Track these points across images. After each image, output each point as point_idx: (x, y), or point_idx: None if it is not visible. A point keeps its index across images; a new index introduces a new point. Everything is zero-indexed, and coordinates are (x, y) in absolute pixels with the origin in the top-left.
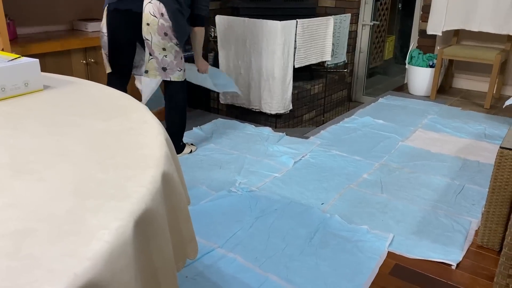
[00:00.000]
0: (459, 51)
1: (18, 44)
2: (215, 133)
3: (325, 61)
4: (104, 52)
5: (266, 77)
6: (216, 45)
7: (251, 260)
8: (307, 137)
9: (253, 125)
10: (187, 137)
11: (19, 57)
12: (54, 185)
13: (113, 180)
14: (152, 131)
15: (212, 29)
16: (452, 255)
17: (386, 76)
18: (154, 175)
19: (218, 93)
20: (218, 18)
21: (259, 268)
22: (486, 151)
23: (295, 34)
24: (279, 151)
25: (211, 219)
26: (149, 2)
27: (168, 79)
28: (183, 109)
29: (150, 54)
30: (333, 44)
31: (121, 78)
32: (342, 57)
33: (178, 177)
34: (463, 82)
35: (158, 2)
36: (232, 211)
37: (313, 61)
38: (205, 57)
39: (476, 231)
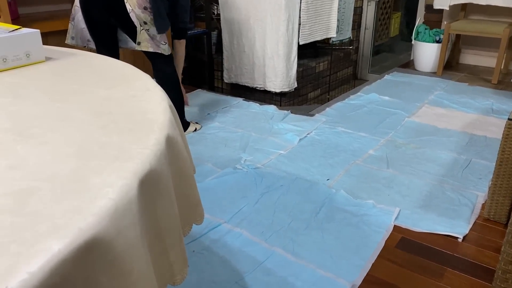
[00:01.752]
0: (467, 26)
1: (20, 23)
2: (220, 112)
3: (330, 38)
4: (72, 23)
5: (271, 54)
6: (219, 23)
7: (257, 235)
8: (312, 115)
9: (257, 103)
10: (192, 116)
11: (20, 28)
12: (57, 147)
13: (117, 143)
14: (155, 98)
15: (215, 7)
16: (459, 228)
17: (392, 53)
18: (158, 138)
19: (222, 72)
20: None
21: (266, 242)
22: (494, 126)
23: (300, 10)
24: (284, 129)
25: (217, 196)
26: None
27: (159, 51)
28: (176, 83)
29: (140, 25)
30: (338, 20)
31: (109, 53)
32: (348, 34)
33: (183, 143)
34: (470, 57)
35: None
36: (238, 187)
37: (318, 37)
38: (209, 34)
39: (483, 205)
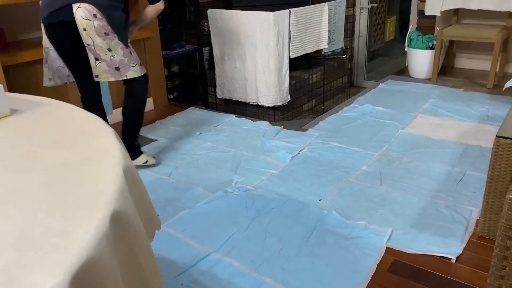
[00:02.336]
0: (459, 31)
1: (9, 53)
2: (212, 131)
3: (322, 49)
4: (46, 66)
5: (262, 69)
6: (210, 39)
7: (247, 264)
8: (305, 130)
9: (250, 120)
10: (183, 136)
11: None
12: None
13: (59, 225)
14: (111, 162)
15: (206, 23)
16: (452, 248)
17: (389, 57)
18: (102, 218)
19: (215, 88)
20: (210, 12)
21: (255, 272)
22: (489, 134)
23: (289, 24)
24: (276, 146)
25: (207, 222)
26: (78, 7)
27: (125, 78)
28: (140, 108)
29: (97, 59)
30: (329, 31)
31: (88, 79)
32: (340, 44)
33: (136, 211)
34: (465, 61)
35: (87, 4)
36: (228, 212)
37: (309, 50)
38: (200, 51)
39: (477, 221)
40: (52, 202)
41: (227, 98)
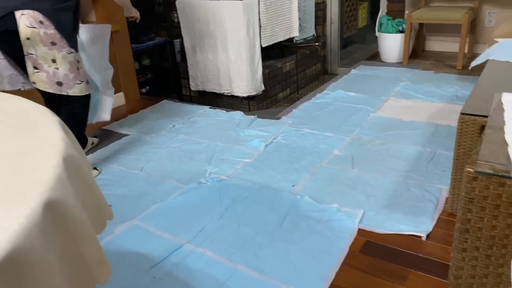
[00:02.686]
0: (427, 14)
1: None
2: (185, 123)
3: (294, 37)
4: None
5: (234, 59)
6: (181, 31)
7: (220, 253)
8: (278, 118)
9: (224, 111)
10: (156, 129)
11: None
12: None
13: None
14: (50, 151)
15: (175, 15)
16: (422, 226)
17: (362, 44)
18: (34, 207)
19: (188, 80)
20: (179, 3)
21: (228, 260)
22: (458, 113)
23: (259, 12)
24: (250, 135)
25: (180, 214)
26: (22, 14)
27: (65, 93)
28: (83, 122)
29: (36, 68)
30: (300, 18)
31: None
32: (311, 31)
33: (77, 201)
34: (435, 44)
35: (31, 10)
36: (202, 203)
37: (281, 38)
38: (171, 43)
39: (447, 199)
40: None
41: (201, 90)
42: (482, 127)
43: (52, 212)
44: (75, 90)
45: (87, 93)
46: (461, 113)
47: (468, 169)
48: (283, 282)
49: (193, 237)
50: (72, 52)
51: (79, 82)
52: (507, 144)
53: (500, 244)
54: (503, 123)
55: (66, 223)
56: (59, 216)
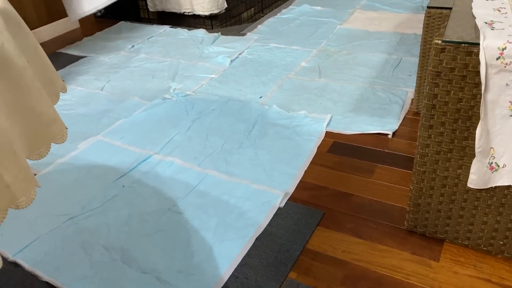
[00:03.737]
0: None
1: None
2: (145, 43)
3: None
4: None
5: None
6: None
7: (190, 160)
8: (243, 34)
9: (186, 29)
10: (114, 50)
11: None
12: None
13: None
14: None
15: None
16: (389, 125)
17: None
18: None
19: (145, 1)
20: None
21: (198, 167)
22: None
23: None
24: (215, 52)
25: (146, 128)
26: None
27: None
28: None
29: None
30: None
31: None
32: None
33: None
34: None
35: None
36: (168, 117)
37: None
38: None
39: (412, 100)
40: None
41: (160, 10)
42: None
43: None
44: None
45: None
46: (428, 7)
47: (436, 41)
48: (253, 182)
49: (161, 148)
50: None
51: None
52: (474, 17)
53: (465, 117)
54: (470, 2)
55: (8, 71)
56: None
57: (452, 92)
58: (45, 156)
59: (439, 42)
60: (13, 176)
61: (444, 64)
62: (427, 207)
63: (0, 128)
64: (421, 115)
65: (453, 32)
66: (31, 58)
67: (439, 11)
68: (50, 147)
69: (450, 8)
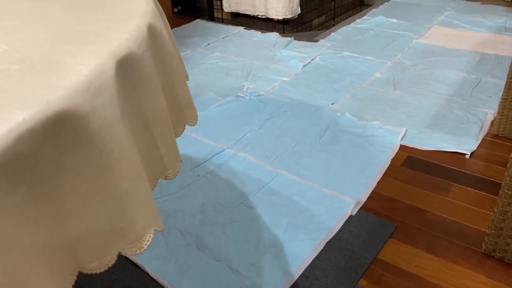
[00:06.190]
0: None
1: None
2: (220, 42)
3: None
4: None
5: None
6: None
7: (261, 158)
8: (316, 40)
9: (259, 32)
10: (191, 46)
11: None
12: (30, 36)
13: (94, 30)
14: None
15: None
16: (466, 145)
17: None
18: (139, 25)
19: (221, 1)
20: None
21: (270, 165)
22: (506, 44)
23: None
24: (287, 56)
25: (220, 123)
26: None
27: None
28: None
29: None
30: None
31: None
32: None
33: (169, 38)
34: None
35: None
36: (241, 114)
37: None
38: None
39: (492, 122)
40: (82, 17)
41: (234, 11)
42: None
43: (152, 37)
44: None
45: None
46: None
47: None
48: (324, 187)
49: (234, 143)
50: None
51: None
52: None
53: None
54: None
55: (162, 52)
56: (158, 44)
57: None
58: (180, 135)
59: None
60: (166, 149)
61: None
62: (511, 231)
63: (162, 105)
64: (511, 155)
65: None
66: (166, 78)
67: None
68: (185, 128)
69: None
